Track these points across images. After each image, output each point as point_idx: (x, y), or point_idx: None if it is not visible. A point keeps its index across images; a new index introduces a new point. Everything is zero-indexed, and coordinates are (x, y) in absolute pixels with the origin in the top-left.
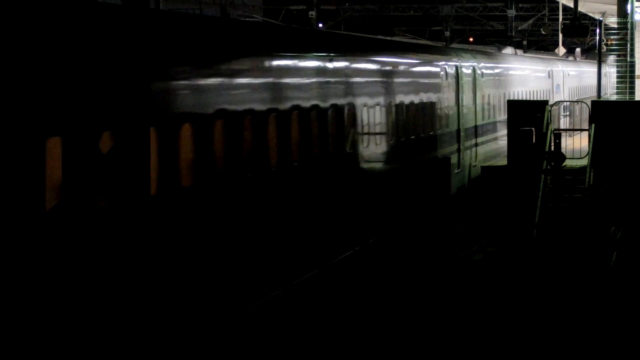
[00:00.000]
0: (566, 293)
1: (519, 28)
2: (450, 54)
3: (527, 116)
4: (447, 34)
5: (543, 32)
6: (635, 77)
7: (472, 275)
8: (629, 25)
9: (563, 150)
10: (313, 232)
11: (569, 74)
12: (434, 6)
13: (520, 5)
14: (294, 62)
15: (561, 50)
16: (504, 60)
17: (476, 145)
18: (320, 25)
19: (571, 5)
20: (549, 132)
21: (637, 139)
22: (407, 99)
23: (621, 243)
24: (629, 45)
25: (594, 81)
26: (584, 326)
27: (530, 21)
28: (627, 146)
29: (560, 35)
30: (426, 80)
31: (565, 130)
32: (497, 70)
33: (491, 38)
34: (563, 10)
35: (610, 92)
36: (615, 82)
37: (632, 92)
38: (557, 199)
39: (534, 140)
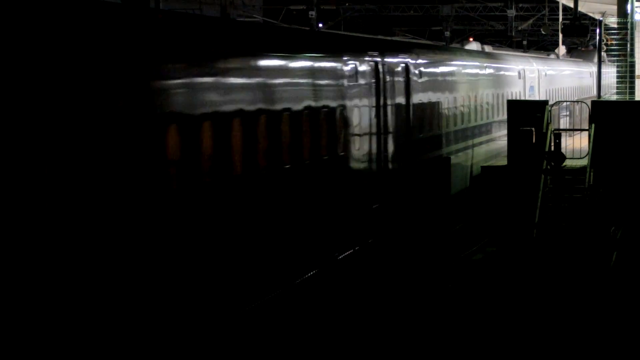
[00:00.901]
0: (566, 293)
1: (519, 28)
2: (364, 47)
3: (527, 116)
4: (447, 34)
5: (543, 32)
6: (635, 77)
7: (472, 275)
8: (629, 25)
9: (563, 150)
10: (312, 232)
11: (545, 74)
12: (434, 6)
13: (520, 5)
14: None
15: (561, 50)
16: (457, 57)
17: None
18: (320, 25)
19: (571, 5)
20: (549, 132)
21: (637, 139)
22: (275, 107)
23: (621, 243)
24: (629, 45)
25: (579, 82)
26: (584, 326)
27: (530, 21)
28: (627, 146)
29: (560, 35)
30: (313, 82)
31: (565, 130)
32: (446, 69)
33: (491, 38)
34: (563, 10)
35: (585, 94)
36: (615, 82)
37: (632, 92)
38: (557, 199)
39: (534, 140)
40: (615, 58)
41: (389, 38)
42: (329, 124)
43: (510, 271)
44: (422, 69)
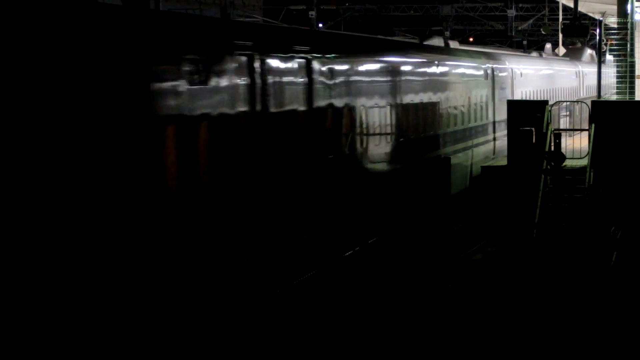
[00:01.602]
0: (566, 293)
1: (519, 28)
2: (225, 37)
3: (527, 116)
4: (447, 34)
5: (543, 32)
6: (635, 77)
7: (472, 275)
8: (629, 25)
9: (563, 150)
10: (313, 232)
11: (521, 74)
12: (434, 6)
13: (520, 5)
14: None
15: (561, 50)
16: (394, 52)
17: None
18: (320, 25)
19: (571, 5)
20: (549, 132)
21: (637, 139)
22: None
23: (621, 243)
24: (629, 45)
25: (564, 83)
26: (584, 326)
27: (530, 21)
28: (627, 146)
29: (560, 35)
30: (110, 84)
31: (565, 130)
32: (374, 68)
33: (491, 38)
34: (563, 10)
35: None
36: (615, 82)
37: (632, 92)
38: (557, 199)
39: (534, 140)
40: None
41: (278, 25)
42: (160, 142)
43: (510, 271)
44: (334, 66)
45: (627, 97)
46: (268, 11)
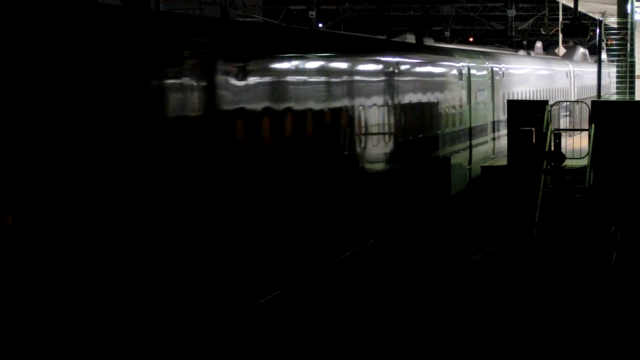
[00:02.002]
0: (566, 293)
1: (519, 28)
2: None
3: (527, 116)
4: (447, 34)
5: (543, 32)
6: (635, 77)
7: (472, 275)
8: (629, 25)
9: (563, 150)
10: (313, 232)
11: (503, 74)
12: (434, 6)
13: (520, 5)
14: None
15: (561, 50)
16: (342, 49)
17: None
18: (320, 25)
19: (571, 5)
20: (549, 132)
21: (637, 139)
22: None
23: (621, 243)
24: (629, 45)
25: (553, 84)
26: (584, 326)
27: (530, 21)
28: (627, 146)
29: (560, 35)
30: None
31: (565, 130)
32: (308, 66)
33: (491, 38)
34: (563, 10)
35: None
36: (615, 82)
37: (632, 92)
38: (557, 199)
39: (534, 140)
40: (618, 58)
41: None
42: None
43: (510, 271)
44: (250, 66)
45: (627, 97)
46: (268, 11)
